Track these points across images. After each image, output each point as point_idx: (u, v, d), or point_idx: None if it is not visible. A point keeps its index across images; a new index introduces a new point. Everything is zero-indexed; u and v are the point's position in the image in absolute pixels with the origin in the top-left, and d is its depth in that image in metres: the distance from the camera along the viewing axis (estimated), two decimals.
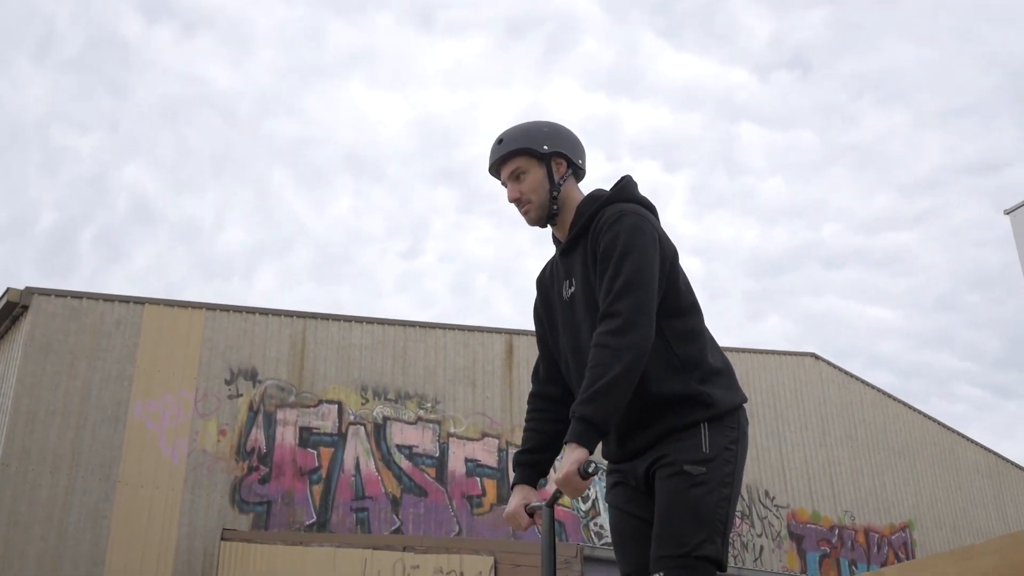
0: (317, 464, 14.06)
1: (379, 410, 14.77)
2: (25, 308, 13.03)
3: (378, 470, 14.43)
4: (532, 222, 2.89)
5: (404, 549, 9.56)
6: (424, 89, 56.31)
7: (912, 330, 60.97)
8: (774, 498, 18.06)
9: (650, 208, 2.86)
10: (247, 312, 14.50)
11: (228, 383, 13.87)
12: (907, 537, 19.54)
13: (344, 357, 14.91)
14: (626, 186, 2.88)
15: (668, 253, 2.76)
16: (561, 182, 2.85)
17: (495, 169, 2.90)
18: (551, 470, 2.86)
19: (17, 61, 53.75)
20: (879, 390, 21.21)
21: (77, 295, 13.30)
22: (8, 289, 12.91)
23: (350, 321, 15.22)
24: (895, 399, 21.35)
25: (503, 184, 2.90)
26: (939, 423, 21.86)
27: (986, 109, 61.31)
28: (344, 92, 58.28)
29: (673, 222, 62.94)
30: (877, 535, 19.09)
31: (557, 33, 56.21)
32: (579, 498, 15.57)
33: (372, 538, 12.11)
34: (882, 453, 20.33)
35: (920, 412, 21.59)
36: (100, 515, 12.38)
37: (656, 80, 57.65)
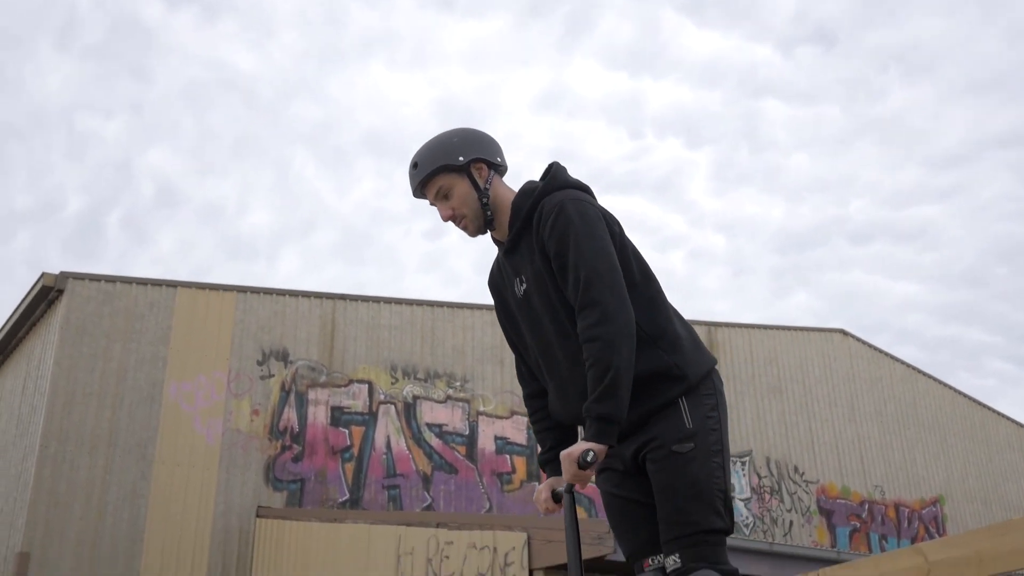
0: (349, 443, 14.23)
1: (409, 389, 14.90)
2: (60, 292, 13.23)
3: (409, 448, 14.58)
4: (473, 234, 2.85)
5: (437, 526, 9.67)
6: (445, 69, 56.25)
7: (939, 304, 60.49)
8: (803, 473, 18.07)
9: (585, 190, 2.84)
10: (277, 294, 14.64)
11: (260, 364, 14.04)
12: (938, 512, 19.49)
13: (373, 337, 15.04)
14: (556, 173, 2.83)
15: (615, 228, 2.75)
16: (487, 186, 2.81)
17: (419, 193, 2.86)
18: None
19: (40, 47, 54.18)
20: (908, 365, 21.09)
21: (111, 279, 13.49)
22: (43, 274, 13.12)
23: (378, 302, 15.33)
24: (924, 374, 21.23)
25: (432, 205, 2.86)
26: (969, 397, 21.73)
27: (1013, 81, 60.35)
28: (365, 74, 58.33)
29: (697, 199, 62.65)
30: (907, 510, 19.06)
31: (578, 11, 55.87)
32: None
33: (405, 515, 12.25)
34: (912, 428, 20.26)
35: (950, 387, 21.46)
36: (138, 494, 12.61)
37: (678, 57, 57.22)
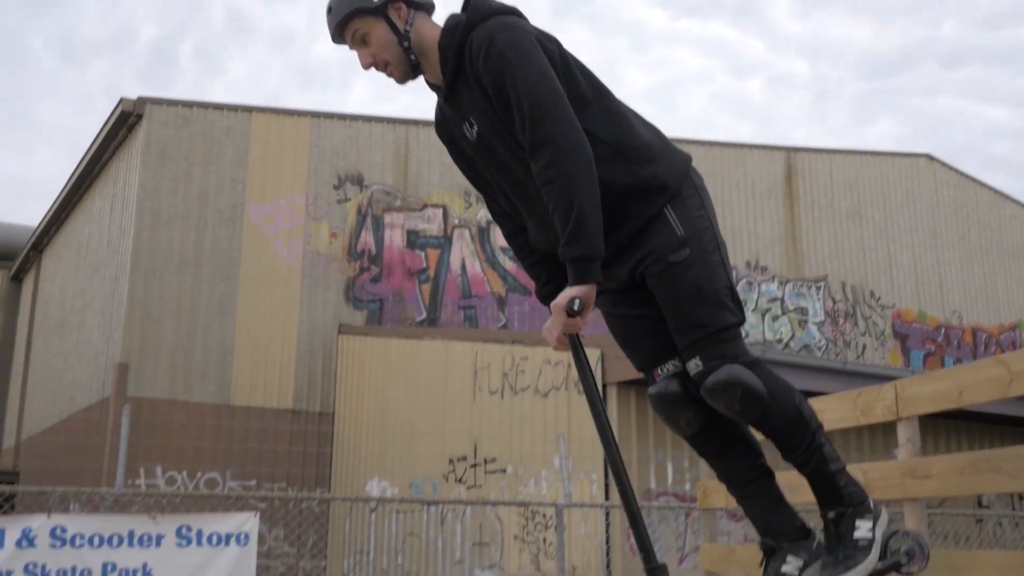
0: (425, 265, 14.51)
1: (482, 214, 15.00)
2: (139, 117, 13.43)
3: (483, 271, 14.82)
4: (401, 80, 2.65)
5: (513, 343, 9.94)
6: None
7: None
8: (879, 298, 17.93)
9: (513, 12, 2.60)
10: (351, 119, 14.64)
11: (336, 188, 14.22)
12: (1016, 336, 19.28)
13: (446, 162, 14.95)
14: (477, 3, 2.59)
15: (551, 47, 2.56)
16: (408, 28, 2.59)
17: (338, 39, 2.64)
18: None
19: None
20: (996, 191, 20.41)
21: (188, 104, 13.61)
22: (122, 99, 13.29)
23: None
24: (1012, 200, 20.55)
25: (351, 50, 2.65)
26: None
27: None
28: None
29: (779, 22, 59.79)
30: (985, 335, 18.89)
31: None
32: None
33: (482, 332, 12.59)
34: (995, 254, 19.80)
35: None
36: (225, 311, 13.15)
37: None
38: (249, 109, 13.97)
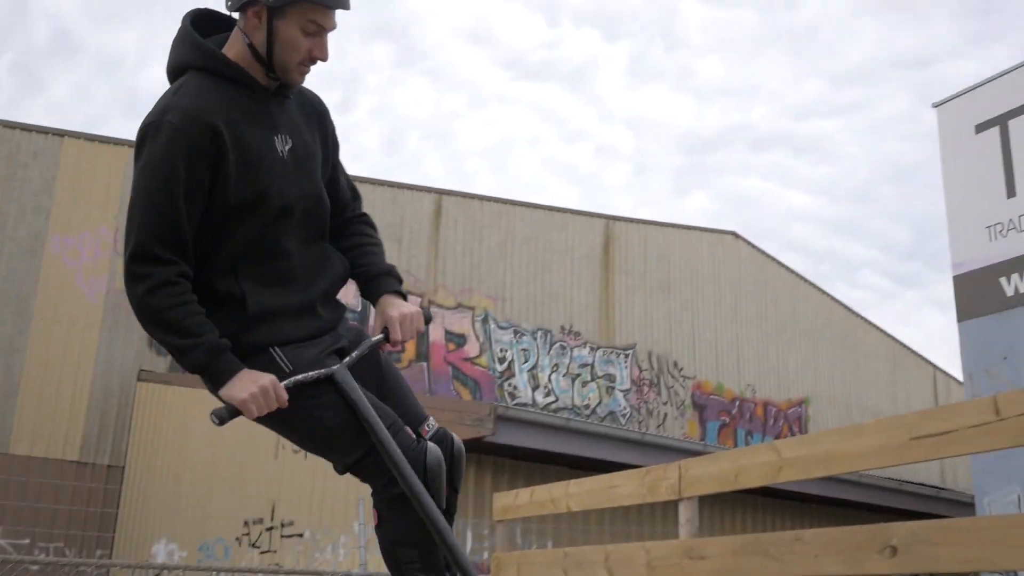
0: None
1: None
2: None
3: None
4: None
5: None
6: None
7: (826, 216, 62.61)
8: (682, 369, 18.73)
9: None
10: None
11: None
12: (802, 412, 20.56)
13: None
14: None
15: None
16: None
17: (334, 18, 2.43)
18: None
19: None
20: (792, 272, 21.82)
21: None
22: None
23: None
24: (807, 281, 22.00)
25: (318, 32, 2.39)
26: (845, 307, 22.69)
27: (923, 1, 61.34)
28: None
29: (608, 93, 62.47)
30: (775, 409, 20.06)
31: None
32: (496, 360, 15.96)
33: None
34: (788, 332, 21.11)
35: (828, 295, 22.35)
36: (14, 348, 12.27)
37: None
38: (61, 133, 13.26)
